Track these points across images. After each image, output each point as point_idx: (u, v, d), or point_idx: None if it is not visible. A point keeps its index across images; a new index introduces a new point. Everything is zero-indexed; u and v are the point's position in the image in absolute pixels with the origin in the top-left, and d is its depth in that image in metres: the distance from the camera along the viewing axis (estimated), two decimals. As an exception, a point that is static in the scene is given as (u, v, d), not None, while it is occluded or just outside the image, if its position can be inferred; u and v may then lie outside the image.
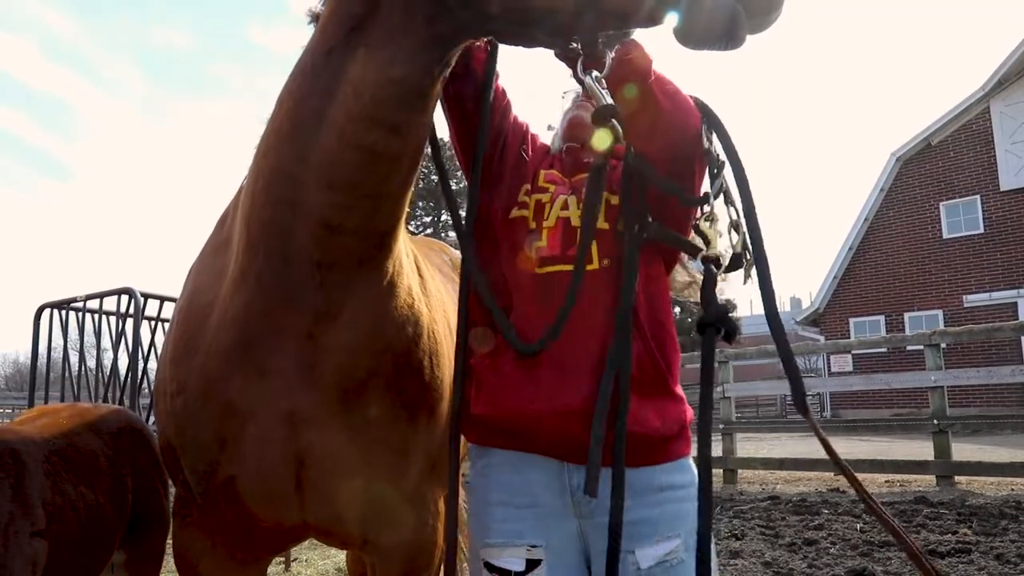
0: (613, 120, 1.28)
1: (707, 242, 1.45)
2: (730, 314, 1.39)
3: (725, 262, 1.43)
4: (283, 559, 5.38)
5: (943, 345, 8.90)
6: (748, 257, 1.45)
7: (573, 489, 1.51)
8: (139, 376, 7.05)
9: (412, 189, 1.54)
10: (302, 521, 1.62)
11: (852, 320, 23.94)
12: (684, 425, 1.61)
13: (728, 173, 1.53)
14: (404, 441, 1.62)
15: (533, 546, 1.51)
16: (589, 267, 1.56)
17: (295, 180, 1.41)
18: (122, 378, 7.23)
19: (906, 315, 22.64)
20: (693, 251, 1.50)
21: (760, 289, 1.44)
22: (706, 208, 1.51)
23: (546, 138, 1.94)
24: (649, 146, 1.54)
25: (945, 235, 22.09)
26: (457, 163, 1.83)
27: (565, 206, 1.67)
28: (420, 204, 30.27)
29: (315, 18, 1.58)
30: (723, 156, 1.50)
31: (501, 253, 1.67)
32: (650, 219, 1.58)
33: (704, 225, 1.46)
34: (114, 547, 2.19)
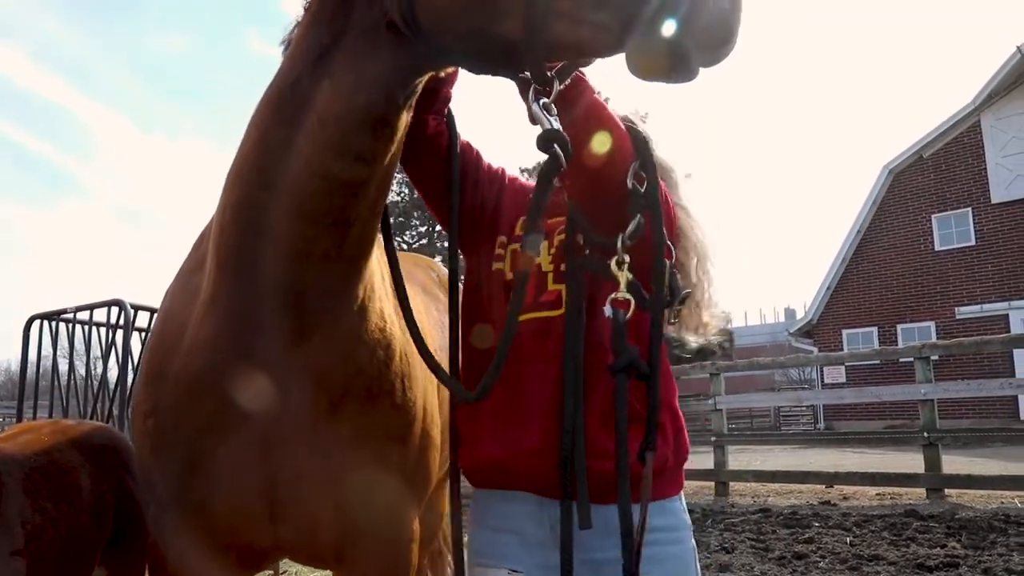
0: (555, 146, 1.27)
1: (616, 285, 1.47)
2: (638, 358, 1.42)
3: (632, 306, 1.45)
4: (271, 571, 5.35)
5: (933, 358, 8.95)
6: (668, 297, 1.51)
7: (552, 522, 1.54)
8: (128, 388, 7.02)
9: (386, 209, 1.57)
10: (274, 542, 1.63)
11: (845, 332, 24.02)
12: (669, 464, 1.62)
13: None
14: (378, 462, 1.63)
15: (514, 571, 1.58)
16: (557, 311, 1.62)
17: (262, 207, 1.42)
18: (111, 390, 7.20)
19: (899, 327, 22.73)
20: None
21: (650, 334, 1.52)
22: (635, 248, 1.50)
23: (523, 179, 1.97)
24: (573, 179, 1.55)
25: (937, 247, 22.22)
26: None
27: (543, 224, 1.68)
28: (416, 214, 30.28)
29: (288, 45, 1.59)
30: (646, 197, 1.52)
31: (484, 307, 1.72)
32: (587, 251, 1.61)
33: (614, 268, 1.48)
34: (95, 564, 2.18)
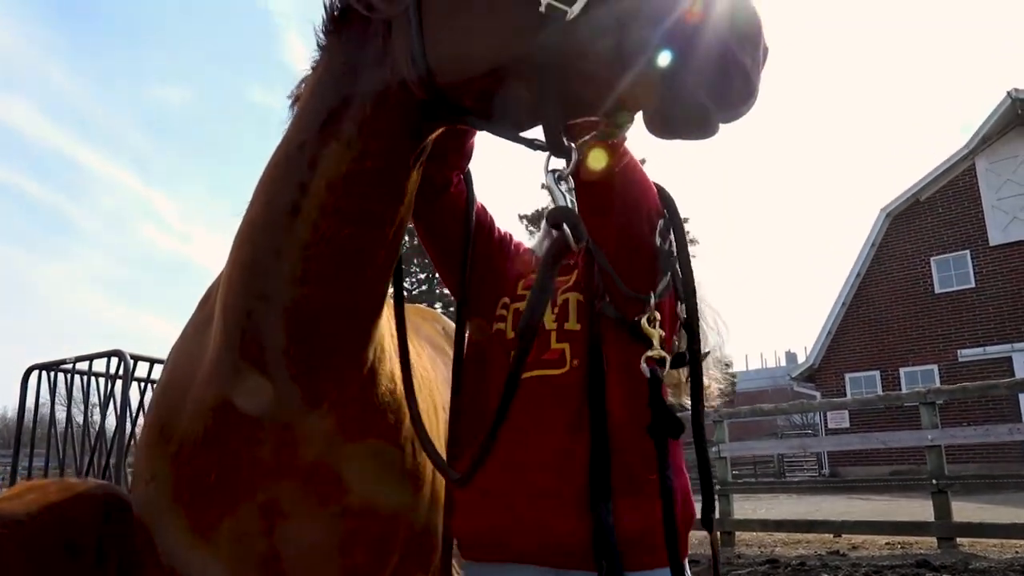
0: (564, 226, 1.24)
1: (649, 343, 1.47)
2: (677, 416, 1.43)
3: (668, 363, 1.46)
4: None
5: (939, 402, 8.87)
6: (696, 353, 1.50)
7: None
8: (126, 439, 6.95)
9: (399, 262, 1.56)
10: None
11: (848, 375, 23.89)
12: (679, 531, 1.57)
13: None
14: (384, 530, 1.60)
15: None
16: (559, 370, 1.60)
17: (269, 272, 1.40)
18: (109, 441, 7.12)
19: (901, 370, 22.62)
20: (646, 342, 1.50)
21: (691, 393, 1.52)
22: (668, 306, 1.54)
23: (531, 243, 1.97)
24: (601, 232, 1.53)
25: (937, 290, 22.26)
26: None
27: (550, 296, 1.66)
28: (416, 260, 30.39)
29: (296, 101, 1.59)
30: (675, 255, 1.53)
31: (486, 368, 1.70)
32: (607, 299, 1.60)
33: (646, 325, 1.48)
34: None
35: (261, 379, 1.45)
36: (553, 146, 1.20)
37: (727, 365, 1.87)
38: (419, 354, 2.01)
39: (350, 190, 1.35)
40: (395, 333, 1.75)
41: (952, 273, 22.06)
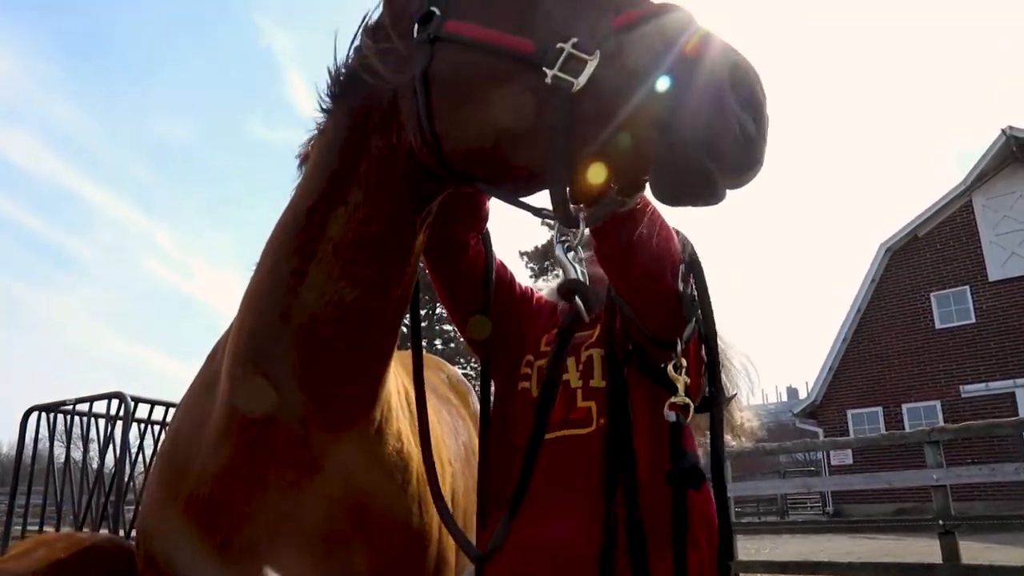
0: (576, 298, 1.27)
1: (675, 389, 1.48)
2: (698, 466, 1.44)
3: (692, 410, 1.48)
4: None
5: (943, 441, 8.81)
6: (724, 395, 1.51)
7: None
8: (125, 481, 6.90)
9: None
10: None
11: (850, 412, 23.76)
12: None
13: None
14: None
15: None
16: (587, 429, 1.60)
17: (275, 337, 1.41)
18: (108, 483, 7.07)
19: (904, 406, 22.50)
20: (671, 390, 1.52)
21: (711, 433, 1.52)
22: (683, 352, 1.52)
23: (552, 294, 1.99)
24: (627, 281, 1.56)
25: (938, 325, 22.26)
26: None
27: (564, 368, 1.68)
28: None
29: (304, 160, 1.60)
30: (697, 301, 1.55)
31: (512, 427, 1.70)
32: (631, 348, 1.61)
33: (672, 371, 1.49)
34: None
35: (269, 444, 1.46)
36: (562, 217, 1.22)
37: (748, 409, 1.88)
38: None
39: (357, 254, 1.37)
40: (401, 390, 1.76)
41: (952, 309, 22.08)
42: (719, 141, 1.05)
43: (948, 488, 8.35)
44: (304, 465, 1.46)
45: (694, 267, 1.60)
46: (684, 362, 1.51)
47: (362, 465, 1.53)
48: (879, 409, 23.07)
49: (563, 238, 1.35)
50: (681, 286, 1.54)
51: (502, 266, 1.92)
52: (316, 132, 1.56)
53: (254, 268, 1.54)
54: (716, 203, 1.13)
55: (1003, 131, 20.26)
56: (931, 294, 22.44)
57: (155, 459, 1.87)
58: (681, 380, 1.48)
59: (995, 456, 17.31)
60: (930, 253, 22.61)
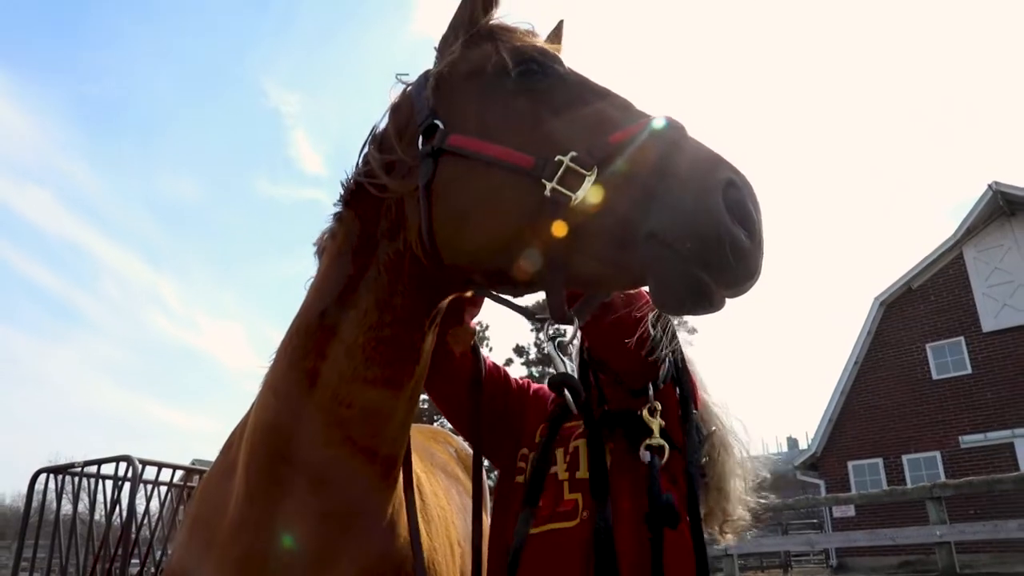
0: (565, 390, 1.31)
1: (649, 432, 1.48)
2: (674, 505, 1.44)
3: (667, 451, 1.47)
4: None
5: (945, 496, 8.83)
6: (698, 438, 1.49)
7: None
8: (130, 544, 6.93)
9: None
10: None
11: (851, 463, 23.60)
12: None
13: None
14: None
15: None
16: (572, 522, 1.59)
17: (290, 436, 1.44)
18: (113, 546, 7.10)
19: (904, 457, 22.37)
20: (645, 432, 1.54)
21: (686, 475, 1.52)
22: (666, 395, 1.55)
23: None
24: (597, 331, 1.56)
25: (934, 376, 22.26)
26: None
27: (553, 460, 1.70)
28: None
29: (321, 252, 1.64)
30: (669, 345, 1.55)
31: (508, 520, 1.70)
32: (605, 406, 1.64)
33: (647, 415, 1.50)
34: None
35: (284, 537, 1.47)
36: (557, 317, 1.26)
37: (741, 500, 1.82)
38: (435, 491, 2.03)
39: (368, 356, 1.40)
40: (415, 473, 1.75)
41: (948, 360, 22.13)
42: (714, 256, 1.05)
43: (952, 545, 8.35)
44: (316, 559, 1.46)
45: (664, 325, 1.57)
46: (658, 405, 1.50)
47: (374, 557, 1.53)
48: (880, 460, 22.93)
49: (554, 334, 1.42)
50: (652, 329, 1.52)
51: (495, 366, 1.94)
52: (329, 232, 1.60)
53: (269, 365, 1.59)
54: (715, 312, 1.13)
55: (990, 186, 20.64)
56: (927, 345, 22.52)
57: (176, 538, 1.95)
58: (656, 423, 1.48)
59: (997, 507, 17.21)
60: (924, 305, 22.78)
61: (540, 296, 1.36)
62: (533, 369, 32.92)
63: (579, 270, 1.20)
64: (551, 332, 1.44)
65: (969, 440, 21.14)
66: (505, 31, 1.48)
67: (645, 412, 1.52)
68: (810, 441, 26.14)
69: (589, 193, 1.15)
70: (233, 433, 1.83)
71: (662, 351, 1.53)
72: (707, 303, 1.10)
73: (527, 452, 1.80)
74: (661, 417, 1.54)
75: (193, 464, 8.15)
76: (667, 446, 1.48)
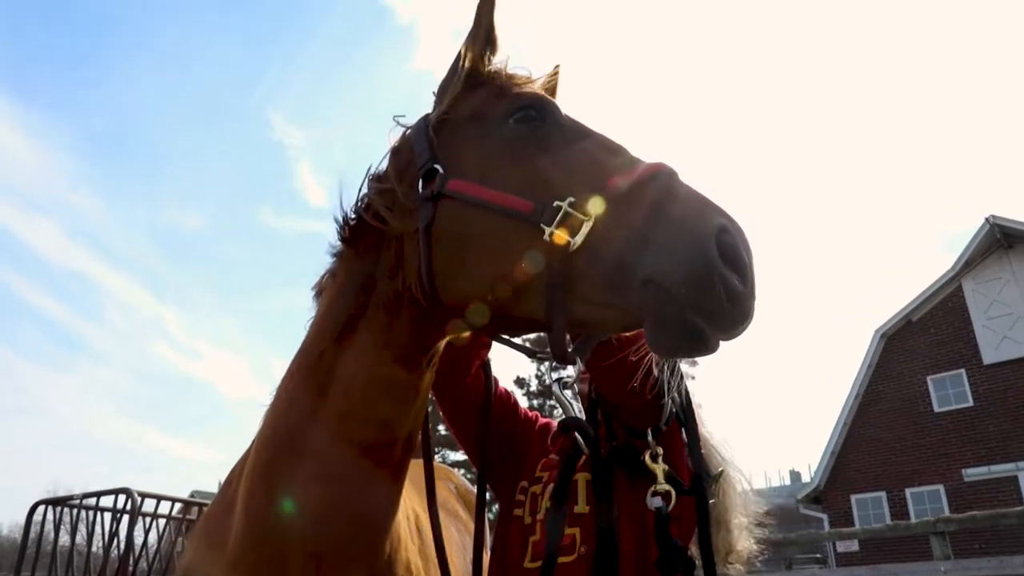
0: (575, 433, 1.34)
1: (655, 478, 1.48)
2: (686, 550, 1.44)
3: (674, 497, 1.47)
4: None
5: (949, 531, 8.77)
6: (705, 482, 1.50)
7: None
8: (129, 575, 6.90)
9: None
10: None
11: (854, 497, 23.38)
12: None
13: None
14: None
15: None
16: (570, 557, 1.60)
17: (289, 473, 1.44)
18: (110, 578, 7.06)
19: (907, 491, 22.17)
20: (648, 475, 1.54)
21: (698, 522, 1.51)
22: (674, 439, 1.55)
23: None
24: (598, 372, 1.57)
25: (936, 409, 22.15)
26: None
27: (567, 508, 1.66)
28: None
29: (320, 292, 1.65)
30: (677, 386, 1.55)
31: (506, 553, 1.72)
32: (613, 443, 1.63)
33: (649, 461, 1.49)
34: None
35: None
36: (558, 356, 1.25)
37: (745, 534, 1.83)
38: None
39: (367, 394, 1.41)
40: (411, 515, 1.76)
41: (950, 392, 22.04)
42: (708, 301, 1.07)
43: (954, 580, 8.29)
44: None
45: (671, 368, 1.56)
46: (660, 450, 1.50)
47: None
48: (883, 494, 22.72)
49: (558, 376, 1.44)
50: (656, 371, 1.51)
51: (506, 393, 1.96)
52: (330, 272, 1.61)
53: (269, 404, 1.60)
54: (709, 355, 1.15)
55: (987, 219, 20.78)
56: (928, 378, 22.43)
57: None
58: (659, 469, 1.47)
59: (1002, 542, 17.02)
60: (924, 338, 22.75)
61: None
62: (534, 401, 32.78)
63: (577, 313, 1.21)
64: (556, 375, 1.45)
65: (973, 473, 20.97)
66: (503, 77, 1.51)
67: (647, 458, 1.51)
68: (813, 474, 25.94)
69: (587, 238, 1.17)
70: (232, 471, 1.82)
71: (668, 393, 1.53)
72: (702, 346, 1.11)
73: (526, 485, 1.80)
74: (666, 458, 1.53)
75: (192, 496, 8.13)
76: (674, 492, 1.47)
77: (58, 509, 7.54)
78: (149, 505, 7.17)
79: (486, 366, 1.89)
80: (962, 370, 21.78)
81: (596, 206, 1.18)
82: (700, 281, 1.07)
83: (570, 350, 1.29)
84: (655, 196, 1.16)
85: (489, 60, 1.55)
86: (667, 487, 1.45)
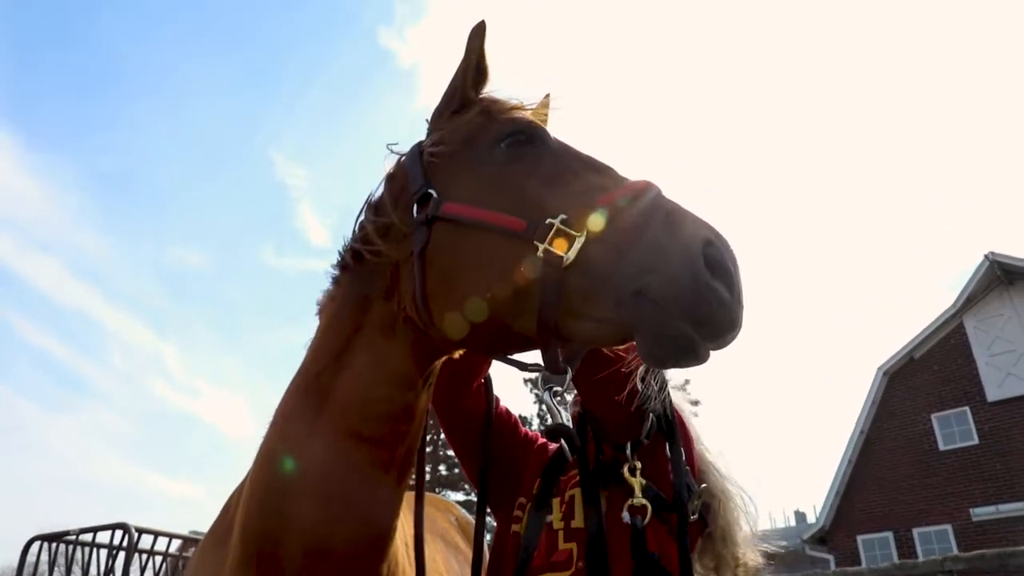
0: (562, 440, 1.37)
1: (631, 492, 1.49)
2: (662, 565, 1.44)
3: (648, 512, 1.47)
4: None
5: (956, 570, 8.63)
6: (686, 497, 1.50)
7: None
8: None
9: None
10: None
11: (860, 537, 23.03)
12: None
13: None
14: None
15: None
16: (567, 572, 1.60)
17: (286, 492, 1.44)
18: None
19: (915, 530, 21.84)
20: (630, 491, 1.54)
21: (677, 538, 1.51)
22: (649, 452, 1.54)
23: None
24: (590, 391, 1.60)
25: (941, 447, 21.95)
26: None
27: (549, 510, 1.72)
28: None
29: (321, 312, 1.67)
30: (660, 397, 1.57)
31: (504, 564, 1.73)
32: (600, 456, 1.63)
33: (627, 474, 1.50)
34: None
35: None
36: (551, 369, 1.28)
37: (752, 544, 1.83)
38: (433, 556, 2.02)
39: (364, 415, 1.43)
40: (409, 542, 1.76)
41: (955, 430, 21.86)
42: (697, 311, 1.10)
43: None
44: None
45: (657, 378, 1.59)
46: (639, 464, 1.51)
47: None
48: (890, 534, 22.39)
49: (549, 385, 1.45)
50: (640, 384, 1.53)
51: (506, 411, 1.97)
52: (328, 294, 1.65)
53: (268, 426, 1.61)
54: (699, 364, 1.18)
55: (986, 256, 20.85)
56: (932, 415, 22.27)
57: None
58: (637, 482, 1.48)
59: (1012, 584, 16.72)
60: (927, 375, 22.63)
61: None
62: (536, 440, 32.49)
63: (570, 327, 1.24)
64: (545, 383, 1.48)
65: (981, 512, 20.69)
66: (495, 104, 1.56)
67: (626, 471, 1.53)
68: (818, 515, 25.59)
69: (579, 254, 1.20)
70: (231, 496, 1.82)
71: (650, 404, 1.55)
72: (692, 356, 1.15)
73: (524, 502, 1.81)
74: (652, 471, 1.55)
75: (191, 534, 8.03)
76: (649, 506, 1.48)
77: (53, 545, 7.46)
78: (147, 541, 7.10)
79: (487, 382, 1.91)
80: (966, 407, 21.62)
81: (587, 223, 1.22)
82: (689, 292, 1.11)
83: (563, 362, 1.31)
84: (643, 212, 1.21)
85: (480, 89, 1.60)
86: (642, 501, 1.46)
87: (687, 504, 1.55)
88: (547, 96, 1.73)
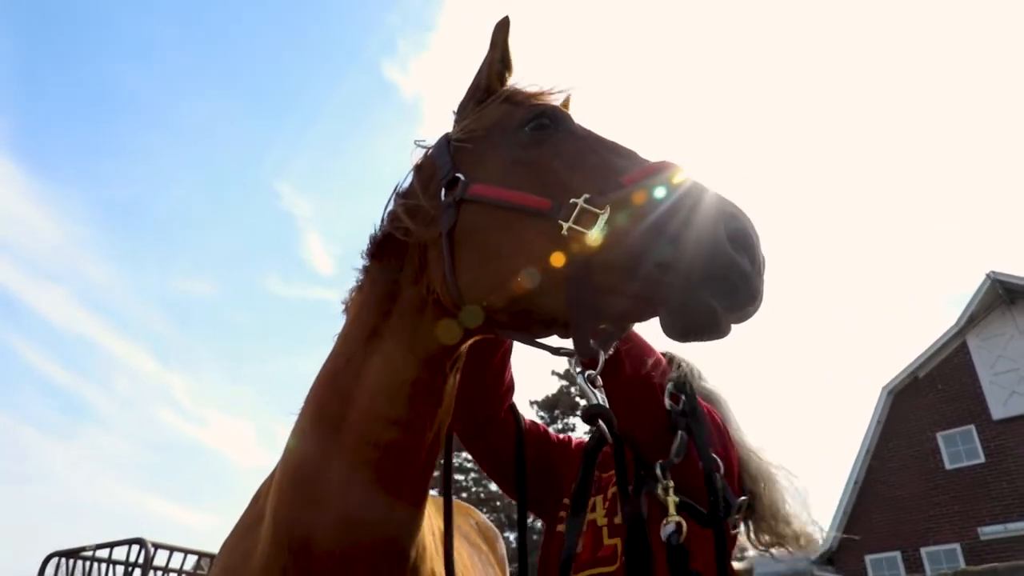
0: (600, 420, 1.38)
1: (666, 511, 1.49)
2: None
3: (685, 530, 1.47)
4: None
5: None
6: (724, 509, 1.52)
7: None
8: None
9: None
10: None
11: (868, 557, 22.88)
12: None
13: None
14: None
15: None
16: (612, 567, 1.64)
17: (318, 477, 1.46)
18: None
19: (923, 550, 21.69)
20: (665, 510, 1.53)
21: (715, 546, 1.53)
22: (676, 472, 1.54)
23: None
24: (614, 401, 1.59)
25: (947, 466, 21.86)
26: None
27: (592, 507, 1.76)
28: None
29: (347, 310, 1.70)
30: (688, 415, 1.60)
31: (550, 569, 1.75)
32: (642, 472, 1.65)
33: (660, 494, 1.51)
34: None
35: None
36: (583, 352, 1.29)
37: (801, 519, 1.84)
38: (459, 552, 2.06)
39: (392, 398, 1.45)
40: (436, 532, 1.80)
41: (960, 448, 21.77)
42: (720, 282, 1.12)
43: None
44: None
45: (683, 387, 1.65)
46: (671, 484, 1.52)
47: None
48: (897, 554, 22.25)
49: (581, 369, 1.43)
50: (667, 404, 1.56)
51: (533, 425, 2.01)
52: (356, 287, 1.67)
53: (298, 413, 1.63)
54: (721, 337, 1.19)
55: (988, 275, 20.90)
56: (937, 434, 22.19)
57: None
58: (671, 501, 1.50)
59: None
60: (932, 394, 22.57)
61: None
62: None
63: (597, 303, 1.25)
64: (578, 366, 1.46)
65: (989, 531, 20.55)
66: (519, 92, 1.61)
67: (658, 490, 1.53)
68: (825, 535, 25.35)
69: (603, 231, 1.22)
70: (261, 486, 1.84)
71: (677, 424, 1.57)
72: (715, 326, 1.16)
73: (567, 502, 1.82)
74: (685, 487, 1.54)
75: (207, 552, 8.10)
76: (684, 524, 1.47)
77: (71, 561, 7.55)
78: (162, 557, 7.18)
79: (514, 409, 1.94)
80: (971, 426, 21.56)
81: (610, 201, 1.25)
82: (711, 262, 1.13)
83: (595, 343, 1.33)
84: (665, 189, 1.24)
85: (504, 80, 1.65)
86: (677, 519, 1.47)
87: (723, 520, 1.55)
88: (568, 96, 1.73)
